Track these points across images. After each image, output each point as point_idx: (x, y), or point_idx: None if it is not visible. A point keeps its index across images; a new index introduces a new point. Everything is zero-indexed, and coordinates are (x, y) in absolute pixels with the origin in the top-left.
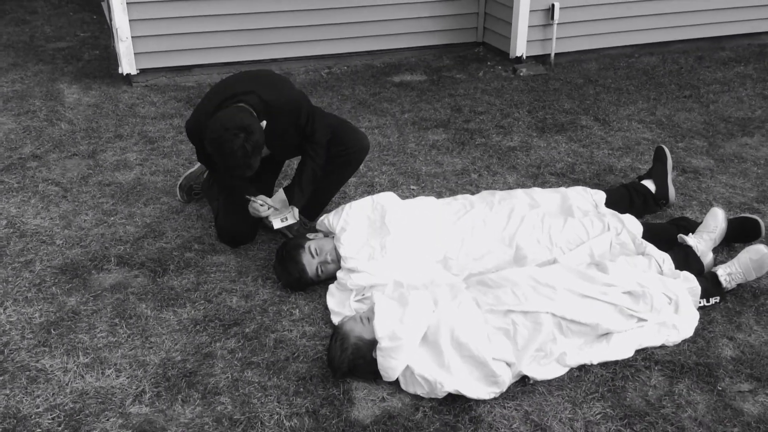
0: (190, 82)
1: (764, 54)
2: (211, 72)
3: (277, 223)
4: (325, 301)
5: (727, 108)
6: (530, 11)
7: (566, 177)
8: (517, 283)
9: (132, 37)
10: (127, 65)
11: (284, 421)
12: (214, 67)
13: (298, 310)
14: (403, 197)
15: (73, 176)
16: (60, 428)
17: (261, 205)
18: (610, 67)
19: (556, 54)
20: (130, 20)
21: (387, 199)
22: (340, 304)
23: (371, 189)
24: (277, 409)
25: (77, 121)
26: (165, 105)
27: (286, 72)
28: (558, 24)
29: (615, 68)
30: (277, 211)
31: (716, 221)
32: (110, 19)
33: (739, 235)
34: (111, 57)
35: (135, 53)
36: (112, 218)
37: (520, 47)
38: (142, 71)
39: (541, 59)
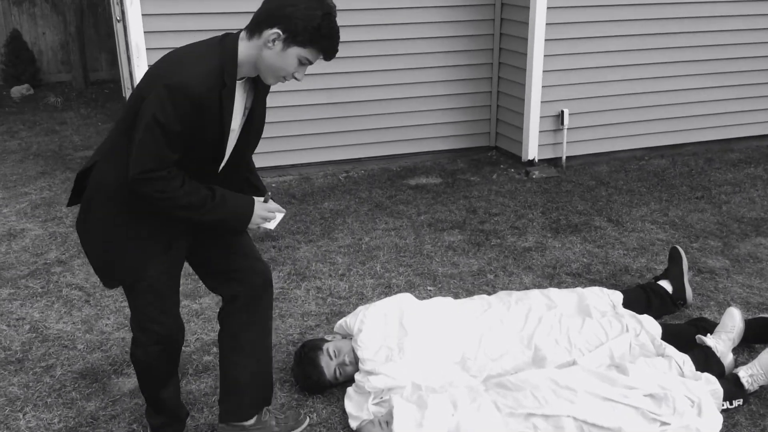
0: None
1: None
2: None
3: (273, 224)
4: (342, 405)
5: (740, 208)
6: (541, 117)
7: (582, 277)
8: (537, 386)
9: None
10: None
11: None
12: None
13: (315, 414)
14: (420, 298)
15: (96, 281)
16: None
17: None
18: (621, 169)
19: (567, 157)
20: None
21: (404, 300)
22: (358, 407)
23: (388, 290)
24: None
25: None
26: None
27: (305, 176)
28: (568, 129)
29: (626, 170)
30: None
31: (733, 321)
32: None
33: (759, 335)
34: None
35: None
36: None
37: (532, 151)
38: None
39: (553, 162)
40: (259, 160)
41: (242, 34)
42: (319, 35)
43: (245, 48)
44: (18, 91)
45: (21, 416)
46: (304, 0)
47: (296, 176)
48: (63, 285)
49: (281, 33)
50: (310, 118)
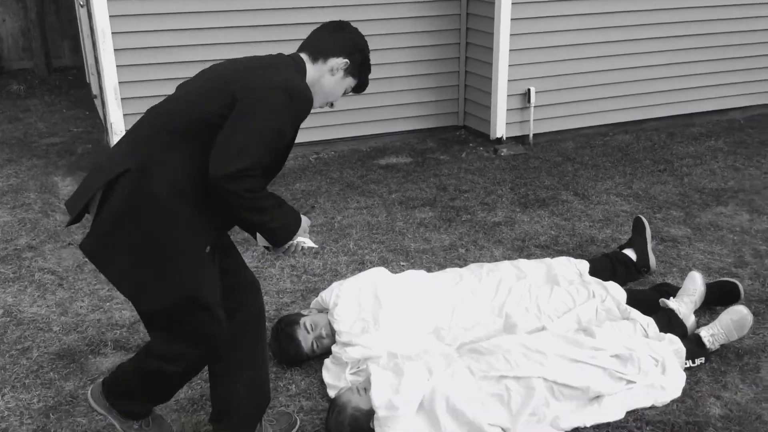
0: None
1: (733, 129)
2: None
3: (311, 241)
4: (320, 376)
5: (701, 180)
6: (508, 95)
7: (550, 249)
8: (509, 350)
9: (126, 131)
10: None
11: None
12: None
13: (294, 386)
14: (394, 273)
15: (69, 265)
16: None
17: None
18: (587, 145)
19: (534, 134)
20: (124, 114)
21: (378, 274)
22: (335, 377)
23: (362, 266)
24: None
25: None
26: None
27: None
28: (535, 107)
29: (591, 146)
30: None
31: (695, 284)
32: (103, 115)
33: (719, 298)
34: (103, 150)
35: None
36: (108, 304)
37: (500, 129)
38: None
39: (521, 140)
40: None
41: (305, 57)
42: (366, 69)
43: (310, 70)
44: None
45: (0, 398)
46: (360, 35)
47: None
48: (35, 270)
49: (349, 63)
50: None
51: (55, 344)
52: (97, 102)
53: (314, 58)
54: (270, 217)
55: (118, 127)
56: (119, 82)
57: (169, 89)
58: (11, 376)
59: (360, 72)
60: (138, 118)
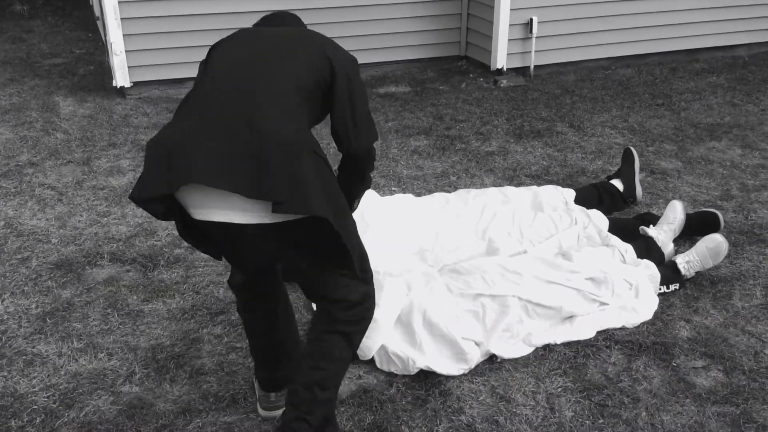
0: (181, 94)
1: (736, 65)
2: None
3: None
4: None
5: (698, 115)
6: (510, 25)
7: (540, 179)
8: (487, 270)
9: (126, 51)
10: (121, 78)
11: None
12: None
13: None
14: (383, 197)
15: (69, 181)
16: (55, 405)
17: None
18: (587, 78)
19: (535, 66)
20: (123, 35)
21: (366, 196)
22: None
23: None
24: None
25: (72, 131)
26: (158, 115)
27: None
28: (537, 37)
29: (592, 80)
30: None
31: (675, 213)
32: (105, 36)
33: (700, 228)
34: (105, 72)
35: (128, 67)
36: (105, 219)
37: (501, 60)
38: (136, 84)
39: (521, 71)
40: None
41: None
42: None
43: None
44: None
45: (0, 303)
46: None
47: None
48: (36, 185)
49: None
50: None
51: (53, 255)
52: (100, 24)
53: None
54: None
55: (117, 48)
56: (119, 2)
57: (170, 9)
58: (11, 283)
59: None
60: (138, 39)
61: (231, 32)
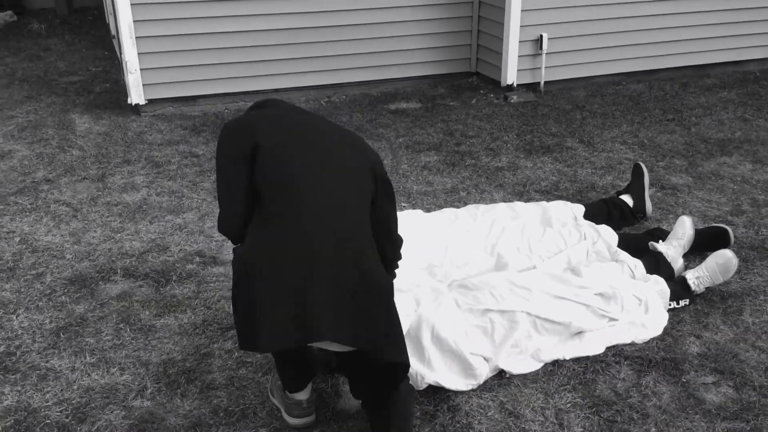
0: (195, 112)
1: (747, 80)
2: (216, 102)
3: None
4: None
5: (708, 130)
6: (520, 42)
7: (550, 194)
8: (495, 286)
9: (141, 69)
10: (136, 96)
11: (276, 411)
12: (219, 97)
13: None
14: None
15: (83, 198)
16: (68, 420)
17: None
18: (598, 94)
19: (546, 82)
20: (138, 53)
21: None
22: None
23: None
24: (270, 400)
25: (88, 148)
26: (171, 132)
27: (288, 101)
28: (547, 54)
29: (602, 95)
30: None
31: (684, 228)
32: (120, 54)
33: (710, 244)
34: (121, 89)
35: (143, 84)
36: (119, 235)
37: (511, 76)
38: (150, 101)
39: (532, 87)
40: (239, 85)
41: None
42: None
43: None
44: (1, 17)
45: (14, 318)
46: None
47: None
48: (51, 201)
49: None
50: (291, 42)
51: (67, 270)
52: (116, 42)
53: None
54: None
55: (132, 66)
56: (134, 21)
57: (184, 28)
58: (25, 298)
59: None
60: (152, 58)
61: (243, 51)
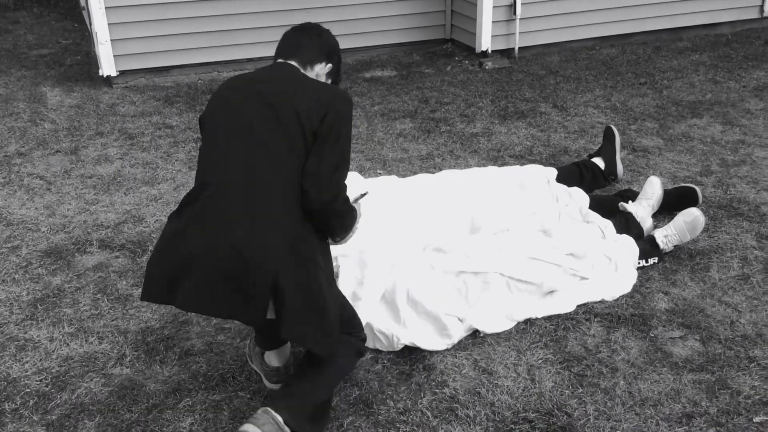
0: (168, 83)
1: (720, 43)
2: (189, 72)
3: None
4: None
5: (680, 93)
6: (494, 7)
7: (524, 159)
8: (469, 248)
9: (111, 40)
10: (107, 67)
11: (255, 375)
12: (192, 67)
13: None
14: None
15: (57, 171)
16: (48, 388)
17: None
18: (572, 59)
19: (520, 48)
20: (108, 24)
21: (350, 177)
22: None
23: None
24: (249, 365)
25: (60, 121)
26: (144, 104)
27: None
28: (521, 19)
29: (576, 60)
30: None
31: (653, 188)
32: (90, 25)
33: (679, 203)
34: (92, 62)
35: (114, 56)
36: (94, 207)
37: (485, 42)
38: (122, 73)
39: (506, 53)
40: (212, 55)
41: (296, 64)
42: (341, 69)
43: None
44: None
45: None
46: (333, 37)
47: (252, 71)
48: (24, 175)
49: (332, 67)
50: (264, 10)
51: (43, 243)
52: (85, 13)
53: (303, 67)
54: (354, 218)
55: (102, 37)
56: None
57: None
58: (1, 271)
59: (337, 72)
60: (123, 28)
61: (214, 20)
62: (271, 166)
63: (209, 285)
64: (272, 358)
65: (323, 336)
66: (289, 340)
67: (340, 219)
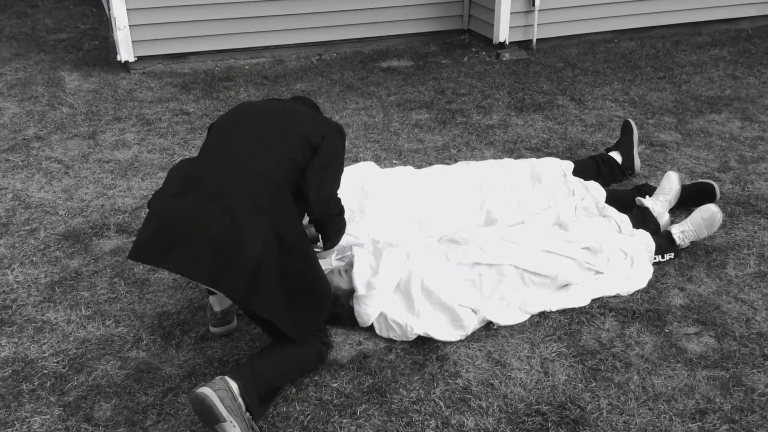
0: (185, 69)
1: (740, 38)
2: (206, 59)
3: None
4: None
5: (699, 87)
6: None
7: (540, 151)
8: (484, 240)
9: (129, 25)
10: (125, 53)
11: None
12: (209, 54)
13: None
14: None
15: (75, 155)
16: (64, 370)
17: None
18: (590, 51)
19: (538, 40)
20: (127, 9)
21: (366, 167)
22: (322, 262)
23: (355, 163)
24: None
25: (78, 106)
26: (162, 90)
27: (278, 59)
28: (540, 10)
29: (594, 53)
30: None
31: (671, 184)
32: (109, 10)
33: (697, 199)
34: (110, 47)
35: (132, 41)
36: (112, 191)
37: (503, 33)
38: (140, 59)
39: (524, 45)
40: (230, 42)
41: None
42: None
43: None
44: None
45: (9, 272)
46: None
47: (269, 59)
48: (42, 158)
49: None
50: None
51: (60, 226)
52: None
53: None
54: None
55: (121, 22)
56: None
57: None
58: (20, 253)
59: None
60: (141, 14)
61: (233, 6)
62: (271, 160)
63: (201, 252)
64: (214, 303)
65: (294, 319)
66: (262, 314)
67: (335, 225)
